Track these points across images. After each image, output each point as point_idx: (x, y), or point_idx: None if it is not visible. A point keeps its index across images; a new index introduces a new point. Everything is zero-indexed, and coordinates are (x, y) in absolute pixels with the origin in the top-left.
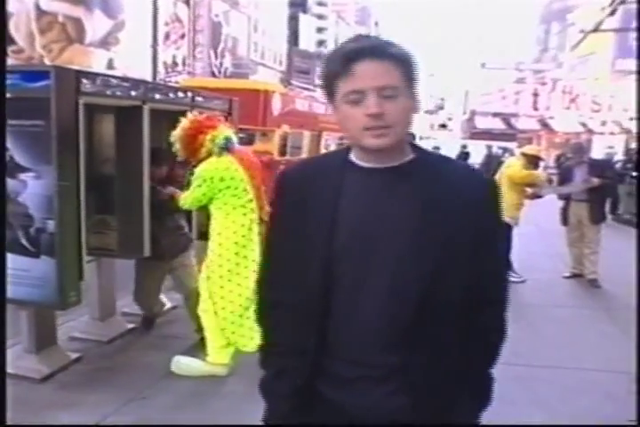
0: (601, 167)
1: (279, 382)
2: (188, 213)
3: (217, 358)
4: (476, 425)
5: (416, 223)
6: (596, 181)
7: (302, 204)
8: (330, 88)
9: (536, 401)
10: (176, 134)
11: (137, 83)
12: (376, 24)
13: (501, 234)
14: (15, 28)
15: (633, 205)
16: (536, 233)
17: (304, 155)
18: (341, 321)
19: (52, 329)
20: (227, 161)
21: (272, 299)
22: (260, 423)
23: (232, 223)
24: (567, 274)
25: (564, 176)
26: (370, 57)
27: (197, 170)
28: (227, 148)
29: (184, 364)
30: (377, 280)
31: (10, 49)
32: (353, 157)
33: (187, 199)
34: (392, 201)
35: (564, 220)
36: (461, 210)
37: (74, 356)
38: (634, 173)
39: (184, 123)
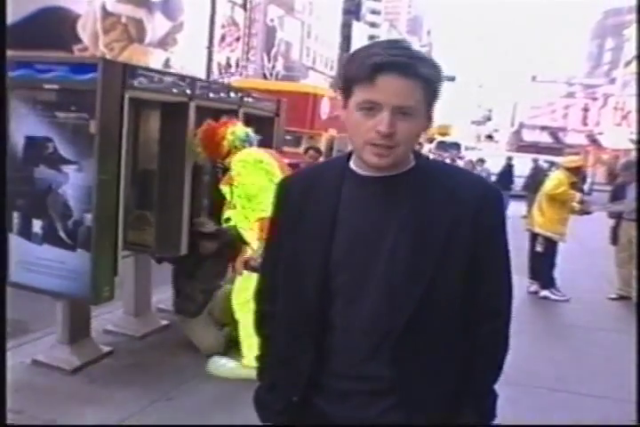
0: None
1: (272, 396)
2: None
3: (253, 361)
4: None
5: (413, 234)
6: None
7: (300, 214)
8: (348, 88)
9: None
10: (196, 136)
11: (184, 79)
12: (428, 33)
13: (505, 244)
14: (82, 28)
15: None
16: (580, 251)
17: None
18: (338, 334)
19: (86, 321)
20: (257, 150)
21: (267, 310)
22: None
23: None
24: (613, 295)
25: (616, 194)
26: (397, 73)
27: (233, 162)
28: (249, 141)
29: (220, 365)
30: (374, 293)
31: (75, 47)
32: (353, 164)
33: (237, 215)
34: (390, 211)
35: (614, 239)
36: (459, 218)
37: (106, 349)
38: None
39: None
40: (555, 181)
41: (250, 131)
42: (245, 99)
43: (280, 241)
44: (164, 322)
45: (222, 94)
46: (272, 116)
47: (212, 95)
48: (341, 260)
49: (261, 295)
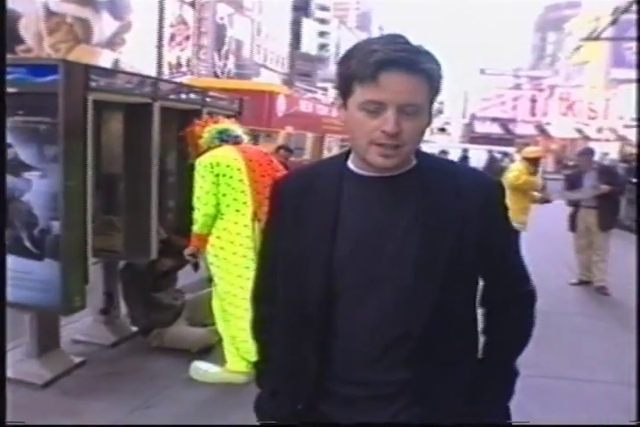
0: (609, 174)
1: (275, 403)
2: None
3: (236, 365)
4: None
5: (420, 233)
6: (605, 188)
7: (299, 215)
8: (347, 87)
9: (551, 414)
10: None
11: (148, 79)
12: (380, 28)
13: (511, 231)
14: (24, 28)
15: (633, 212)
16: (540, 238)
17: (307, 156)
18: (342, 338)
19: (55, 332)
20: (224, 149)
21: (266, 313)
22: None
23: (229, 224)
24: (574, 281)
25: (573, 182)
26: (402, 69)
27: (196, 162)
28: (224, 139)
29: (202, 370)
30: (381, 294)
31: (19, 48)
32: (351, 164)
33: (197, 219)
34: (395, 211)
35: (573, 226)
36: (467, 214)
37: (77, 360)
38: (633, 180)
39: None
40: (515, 171)
41: (235, 129)
42: (208, 98)
43: (277, 242)
44: (135, 328)
45: (186, 95)
46: (234, 114)
47: (175, 96)
48: (345, 261)
49: (259, 298)
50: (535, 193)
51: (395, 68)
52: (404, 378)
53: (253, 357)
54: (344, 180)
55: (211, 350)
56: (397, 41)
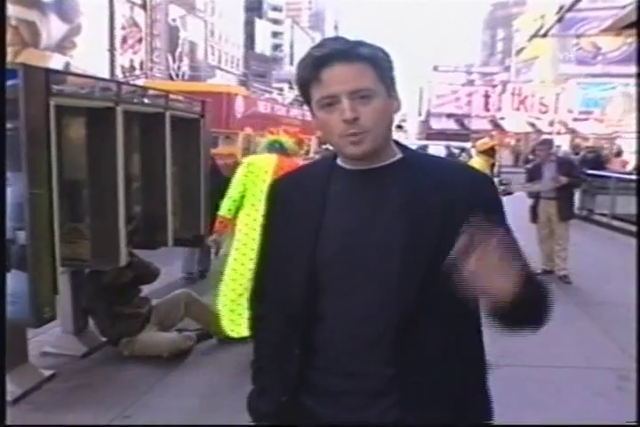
0: (568, 166)
1: (262, 399)
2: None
3: (239, 330)
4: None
5: (404, 226)
6: (564, 179)
7: (288, 212)
8: (305, 95)
9: (528, 402)
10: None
11: (110, 83)
12: (335, 27)
13: (505, 225)
14: None
15: (587, 202)
16: None
17: None
18: (330, 331)
19: (23, 346)
20: (267, 155)
21: (259, 313)
22: None
23: (245, 215)
24: (538, 271)
25: (533, 174)
26: (338, 61)
27: None
28: (272, 148)
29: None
30: (366, 285)
31: None
32: (339, 160)
33: (223, 204)
34: (379, 203)
35: (534, 217)
36: (450, 206)
37: (47, 373)
38: (588, 171)
39: None
40: (476, 165)
41: (285, 141)
42: (171, 102)
43: (269, 242)
44: (105, 338)
45: (148, 98)
46: (197, 117)
47: (138, 99)
48: (329, 255)
49: (254, 298)
50: (498, 186)
51: (331, 61)
52: (391, 373)
53: (231, 329)
54: (332, 176)
55: (183, 354)
56: (331, 39)
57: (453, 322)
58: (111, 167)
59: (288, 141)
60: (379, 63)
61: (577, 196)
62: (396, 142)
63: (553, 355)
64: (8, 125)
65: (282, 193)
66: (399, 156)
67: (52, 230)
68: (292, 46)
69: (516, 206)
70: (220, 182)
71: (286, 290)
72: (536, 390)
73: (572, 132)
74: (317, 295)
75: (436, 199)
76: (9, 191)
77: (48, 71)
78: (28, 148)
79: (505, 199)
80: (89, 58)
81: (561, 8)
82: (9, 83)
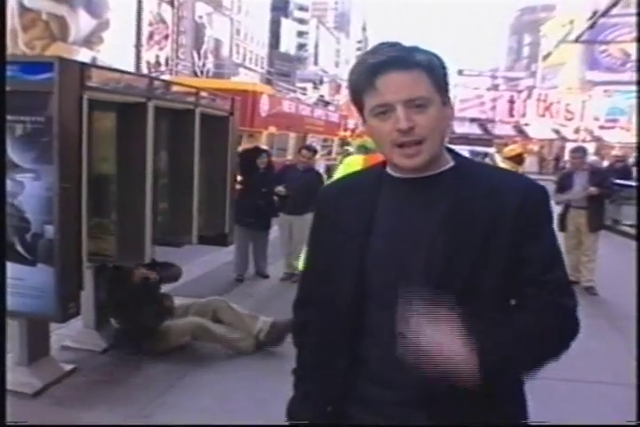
0: (599, 175)
1: (304, 407)
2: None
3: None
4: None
5: (451, 234)
6: (595, 190)
7: (336, 220)
8: (357, 102)
9: (550, 416)
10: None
11: (142, 78)
12: (364, 29)
13: (554, 241)
14: None
15: (614, 212)
16: None
17: (289, 156)
18: (372, 340)
19: (45, 339)
20: (358, 156)
21: (304, 319)
22: None
23: None
24: None
25: (563, 183)
26: (395, 68)
27: None
28: (362, 150)
29: None
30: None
31: None
32: (389, 168)
33: None
34: (427, 211)
35: (562, 226)
36: (498, 216)
37: (68, 367)
38: (617, 181)
39: None
40: None
41: (365, 143)
42: (201, 99)
43: (318, 248)
44: None
45: (178, 94)
46: (227, 115)
47: (169, 95)
48: (377, 262)
49: (299, 304)
50: None
51: (387, 69)
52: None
53: None
54: (382, 184)
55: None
56: (386, 44)
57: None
58: (140, 163)
59: (368, 142)
60: (434, 71)
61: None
62: (448, 149)
63: (578, 369)
64: (40, 118)
65: (332, 200)
66: (450, 164)
67: (79, 225)
68: (316, 46)
69: None
70: (273, 178)
71: (333, 295)
72: (561, 404)
73: (598, 140)
74: (363, 304)
75: (483, 211)
76: (36, 185)
77: (83, 65)
78: (60, 141)
79: None
80: (115, 53)
81: (594, 13)
82: (44, 76)
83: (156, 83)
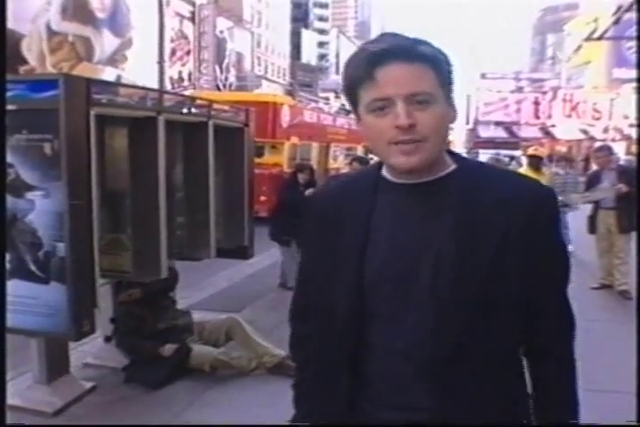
0: (629, 174)
1: (309, 423)
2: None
3: None
4: None
5: (457, 244)
6: (624, 187)
7: (332, 227)
8: (352, 95)
9: None
10: None
11: (150, 92)
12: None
13: (562, 246)
14: (27, 48)
15: None
16: None
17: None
18: (376, 358)
19: (64, 357)
20: None
21: (302, 332)
22: None
23: None
24: (596, 285)
25: (592, 183)
26: (397, 59)
27: None
28: None
29: None
30: (418, 310)
31: (22, 68)
32: (385, 172)
33: None
34: (432, 220)
35: (592, 228)
36: (513, 225)
37: (88, 385)
38: None
39: None
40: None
41: None
42: (214, 111)
43: (311, 257)
44: None
45: (190, 107)
46: (241, 126)
47: (180, 108)
48: (377, 274)
49: (295, 316)
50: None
51: (389, 59)
52: (436, 406)
53: None
54: (378, 189)
55: (225, 369)
56: (388, 35)
57: (504, 345)
58: (153, 177)
59: None
60: (440, 66)
61: None
62: (449, 151)
63: (613, 378)
64: (48, 136)
65: (324, 206)
66: (452, 167)
67: (91, 241)
68: (337, 56)
69: (571, 216)
70: (299, 194)
71: (332, 309)
72: (591, 415)
73: (628, 138)
74: (364, 319)
75: (494, 218)
76: (48, 202)
77: (89, 81)
78: (68, 158)
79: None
80: (139, 70)
81: (619, 9)
82: (50, 93)
83: (169, 97)
